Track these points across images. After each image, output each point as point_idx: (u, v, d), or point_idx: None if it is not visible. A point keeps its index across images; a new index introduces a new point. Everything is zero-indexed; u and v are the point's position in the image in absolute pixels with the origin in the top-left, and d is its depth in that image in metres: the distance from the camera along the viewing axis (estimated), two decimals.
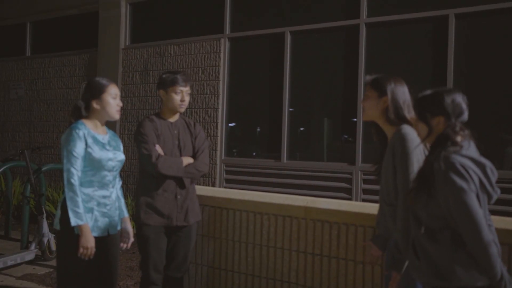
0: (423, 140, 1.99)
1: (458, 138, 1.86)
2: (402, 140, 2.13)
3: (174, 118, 3.06)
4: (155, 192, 2.93)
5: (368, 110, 2.32)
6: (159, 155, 2.87)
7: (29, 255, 4.71)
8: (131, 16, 7.23)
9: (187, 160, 2.98)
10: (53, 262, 4.77)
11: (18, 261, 4.60)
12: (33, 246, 4.80)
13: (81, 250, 2.50)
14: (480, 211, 1.76)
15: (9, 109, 8.52)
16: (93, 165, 2.60)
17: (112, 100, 2.68)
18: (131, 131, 6.88)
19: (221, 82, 6.27)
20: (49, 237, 4.84)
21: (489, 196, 1.84)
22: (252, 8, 6.25)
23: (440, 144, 1.88)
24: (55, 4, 8.05)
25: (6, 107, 8.57)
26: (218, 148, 6.21)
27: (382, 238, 2.36)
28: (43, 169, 5.31)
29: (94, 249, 2.53)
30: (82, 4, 7.77)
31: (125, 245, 2.86)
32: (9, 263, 4.49)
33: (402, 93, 2.27)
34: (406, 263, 2.12)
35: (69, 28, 8.05)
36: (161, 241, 2.96)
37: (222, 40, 6.30)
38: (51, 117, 7.97)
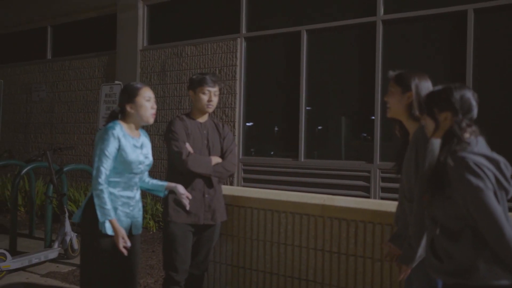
0: (431, 135, 1.97)
1: (465, 135, 1.84)
2: (426, 136, 2.10)
3: (203, 119, 3.12)
4: None
5: (392, 106, 2.29)
6: (189, 152, 2.92)
7: (53, 253, 4.82)
8: (148, 17, 7.32)
9: (215, 160, 3.04)
10: (76, 260, 4.88)
11: (42, 259, 4.71)
12: (56, 245, 4.91)
13: (118, 244, 2.55)
14: (499, 208, 1.74)
15: (32, 111, 8.72)
16: (123, 166, 2.64)
17: (146, 102, 2.69)
18: (149, 131, 6.96)
19: (238, 82, 6.31)
20: (71, 236, 4.95)
21: (506, 192, 1.81)
22: (268, 7, 6.26)
23: (448, 142, 1.85)
24: (74, 7, 8.20)
25: (28, 109, 8.76)
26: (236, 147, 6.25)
27: (401, 237, 2.33)
28: (65, 169, 5.42)
29: (127, 240, 2.57)
30: (100, 7, 7.89)
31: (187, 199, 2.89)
32: (34, 261, 4.62)
33: (426, 88, 2.24)
34: (417, 258, 2.11)
35: (88, 30, 8.20)
36: (188, 239, 3.00)
37: (239, 39, 6.33)
38: (72, 118, 8.12)
